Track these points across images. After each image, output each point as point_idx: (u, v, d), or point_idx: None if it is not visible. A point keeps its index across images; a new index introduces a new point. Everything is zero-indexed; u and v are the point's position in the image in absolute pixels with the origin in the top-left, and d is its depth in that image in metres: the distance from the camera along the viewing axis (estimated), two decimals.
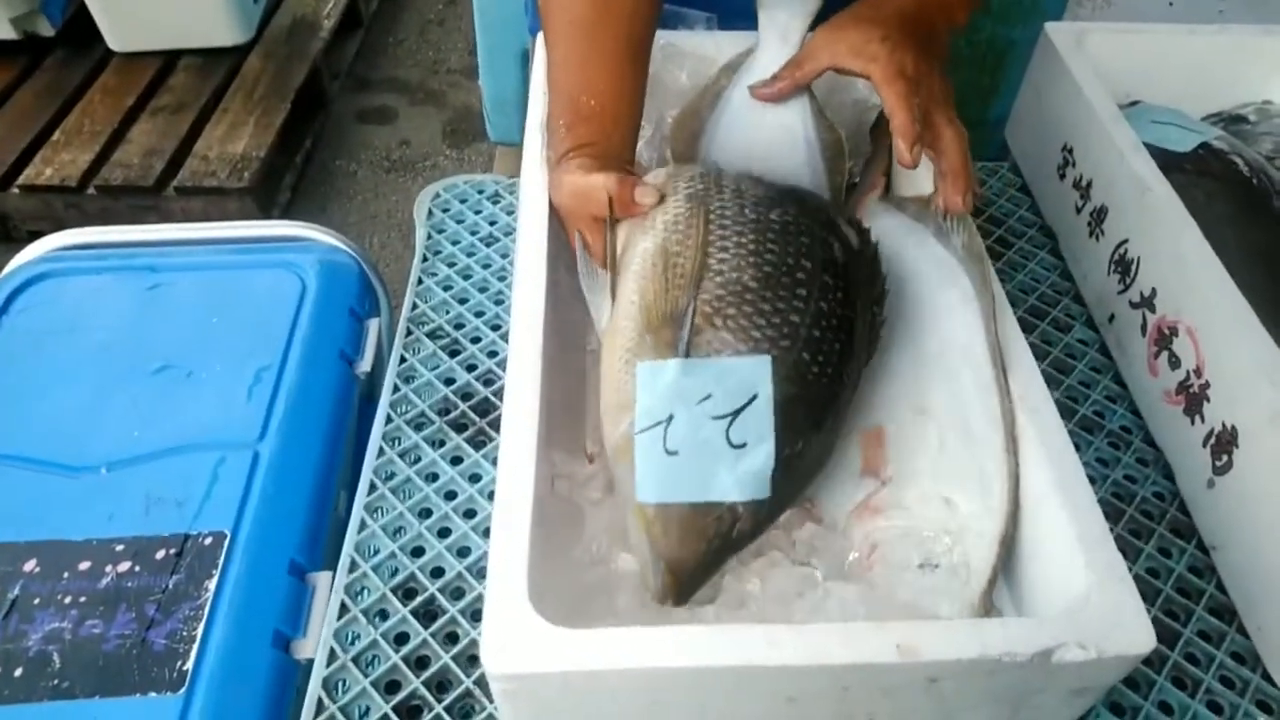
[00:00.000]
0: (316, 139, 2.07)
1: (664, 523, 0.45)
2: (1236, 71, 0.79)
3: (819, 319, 0.49)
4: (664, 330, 0.49)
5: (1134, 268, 0.64)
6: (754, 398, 0.47)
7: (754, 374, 0.47)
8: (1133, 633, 0.40)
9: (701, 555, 0.45)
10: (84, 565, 0.61)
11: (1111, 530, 0.56)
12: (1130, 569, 0.54)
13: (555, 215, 0.58)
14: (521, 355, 0.49)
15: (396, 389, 0.63)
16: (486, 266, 0.72)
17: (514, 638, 0.38)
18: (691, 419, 0.46)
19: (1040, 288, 0.72)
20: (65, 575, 0.60)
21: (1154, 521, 0.58)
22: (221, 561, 0.61)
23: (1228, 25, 0.81)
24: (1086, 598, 0.41)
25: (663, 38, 0.69)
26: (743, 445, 0.46)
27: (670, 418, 0.46)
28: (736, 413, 0.47)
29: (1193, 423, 0.57)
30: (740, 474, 0.45)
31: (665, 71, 0.70)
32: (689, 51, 0.71)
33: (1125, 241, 0.65)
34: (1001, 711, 0.44)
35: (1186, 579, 0.56)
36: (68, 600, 0.59)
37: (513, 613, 0.39)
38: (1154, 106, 0.76)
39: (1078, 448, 0.61)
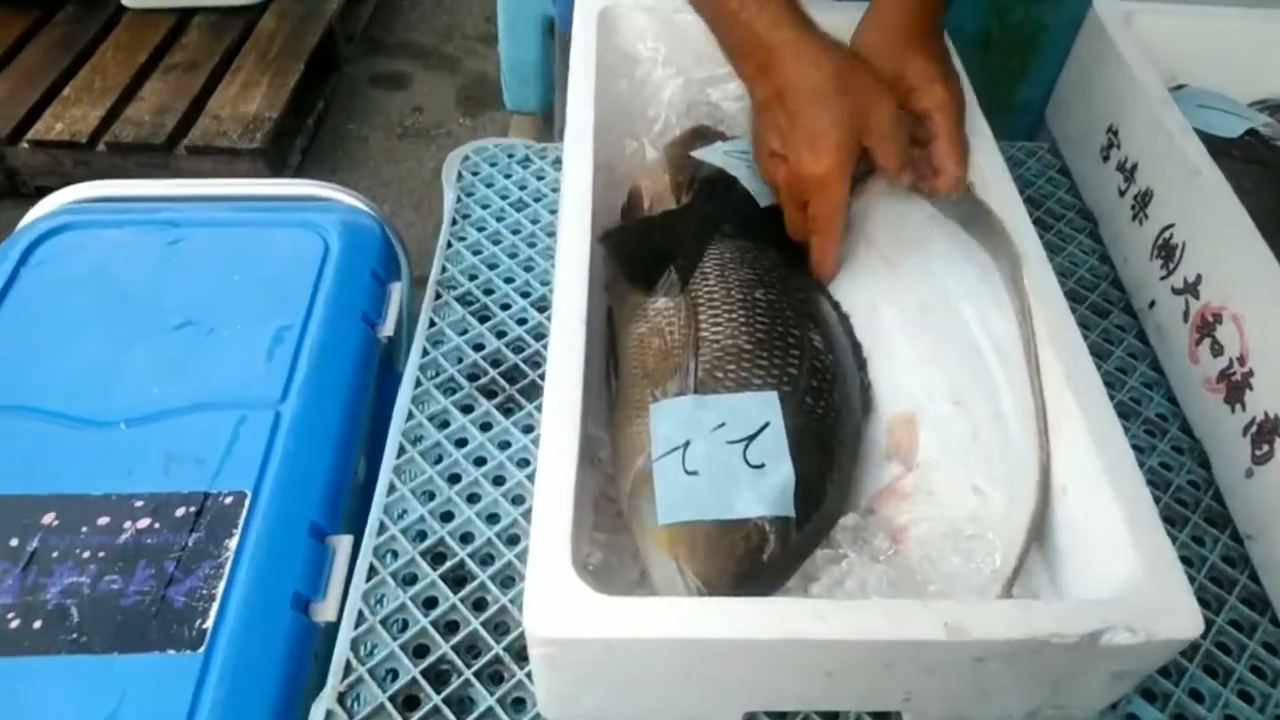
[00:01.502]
0: (329, 102, 2.05)
1: (690, 543, 0.44)
2: None
3: (814, 373, 0.52)
4: (669, 384, 0.50)
5: (1178, 253, 0.62)
6: (766, 424, 0.48)
7: (763, 407, 0.49)
8: (1181, 617, 0.39)
9: (732, 576, 0.44)
10: (103, 520, 0.60)
11: None
12: None
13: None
14: (565, 321, 0.48)
15: (426, 352, 0.62)
16: (516, 232, 0.70)
17: (557, 602, 0.38)
18: (708, 443, 0.47)
19: (1079, 271, 0.71)
20: (84, 530, 0.59)
21: (1188, 510, 0.57)
22: (242, 521, 0.60)
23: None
24: (1135, 581, 0.40)
25: None
26: (761, 465, 0.46)
27: (687, 443, 0.47)
28: (751, 437, 0.47)
29: (1233, 411, 0.56)
30: (762, 490, 0.45)
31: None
32: None
33: (1170, 226, 0.64)
34: (1040, 694, 0.44)
35: (1220, 568, 0.55)
36: (86, 555, 0.58)
37: (556, 577, 0.38)
38: (1200, 90, 0.74)
39: None
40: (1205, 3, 0.76)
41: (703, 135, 0.69)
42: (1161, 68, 0.70)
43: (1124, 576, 0.41)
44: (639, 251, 0.58)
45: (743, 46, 0.56)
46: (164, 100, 1.83)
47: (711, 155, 0.65)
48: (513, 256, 0.68)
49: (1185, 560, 0.55)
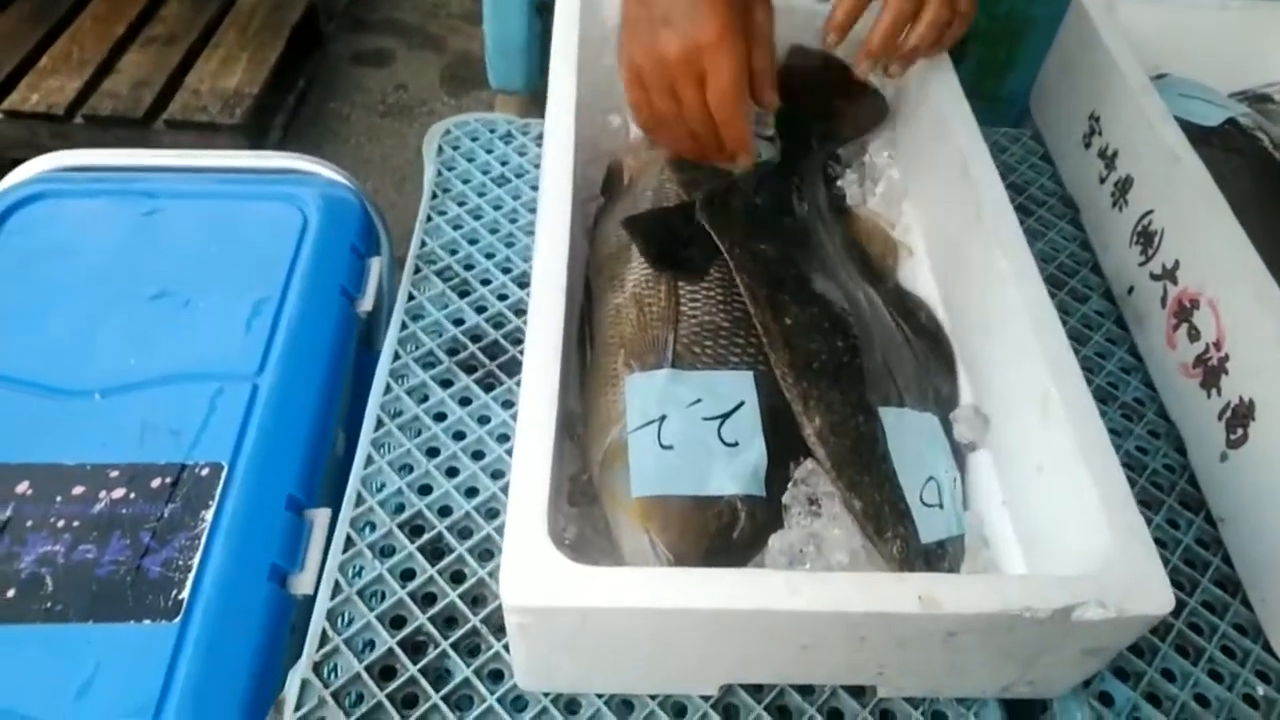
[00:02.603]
0: (311, 79, 2.02)
1: (663, 517, 0.44)
2: (1268, 48, 0.78)
3: None
4: (647, 357, 0.50)
5: (1157, 239, 0.63)
6: (741, 404, 0.48)
7: (738, 385, 0.49)
8: (1153, 593, 0.40)
9: (703, 551, 0.44)
10: (78, 490, 0.59)
11: None
12: None
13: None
14: (544, 297, 0.48)
15: (405, 326, 0.61)
16: (498, 208, 0.70)
17: (533, 571, 0.38)
18: (684, 419, 0.47)
19: (1059, 257, 0.71)
20: (58, 499, 0.58)
21: (1164, 493, 0.58)
22: (219, 493, 0.59)
23: (1261, 1, 0.80)
24: (1108, 558, 0.41)
25: None
26: (735, 444, 0.46)
27: (663, 417, 0.47)
28: (726, 415, 0.48)
29: (1209, 395, 0.57)
30: (735, 469, 0.46)
31: None
32: None
33: (1150, 212, 0.64)
34: (1012, 669, 0.44)
35: (1194, 551, 0.56)
36: (61, 524, 0.57)
37: (531, 546, 0.38)
38: (1181, 80, 0.75)
39: None
40: None
41: None
42: (1144, 57, 0.71)
43: (1097, 553, 0.41)
44: (659, 237, 0.57)
45: None
46: (143, 73, 1.80)
47: None
48: (494, 232, 0.68)
49: (1160, 543, 0.56)
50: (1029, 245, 0.71)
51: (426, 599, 0.49)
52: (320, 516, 0.60)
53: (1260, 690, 0.50)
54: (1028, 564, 0.49)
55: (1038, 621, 0.39)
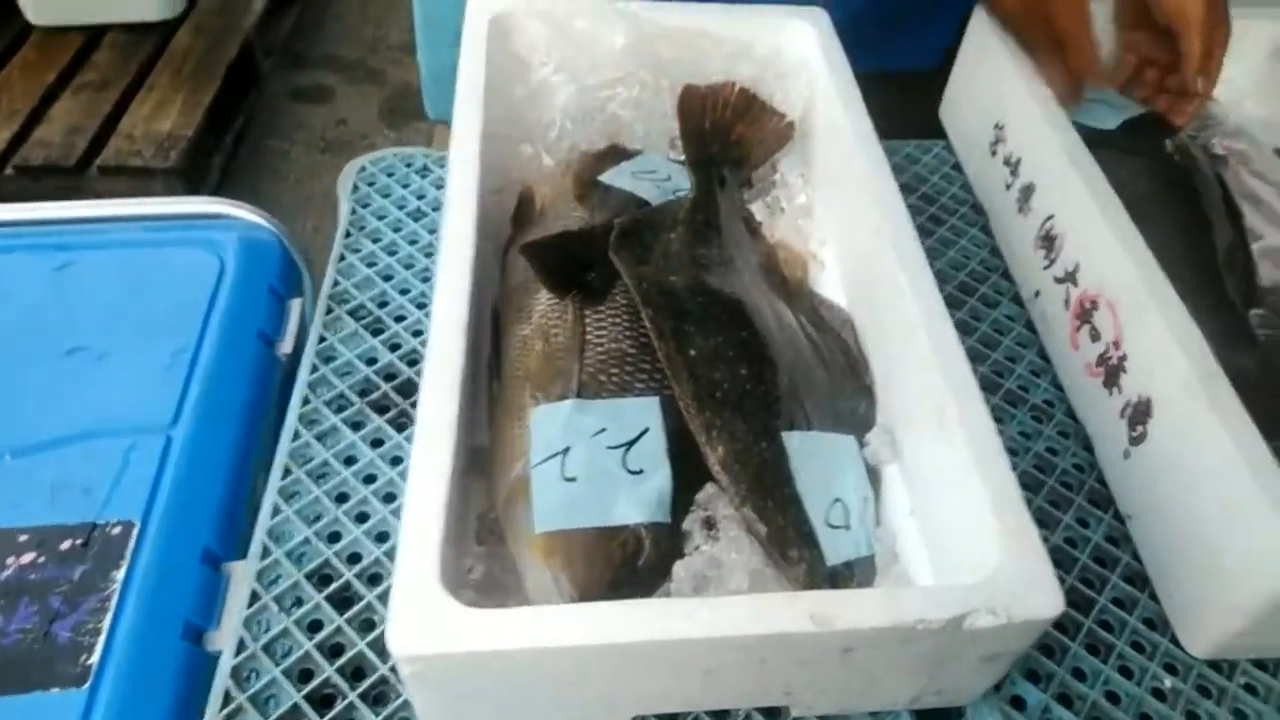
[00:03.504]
0: (249, 118, 2.01)
1: (566, 551, 0.44)
2: None
3: None
4: (552, 387, 0.50)
5: (1058, 243, 0.64)
6: (646, 430, 0.48)
7: (644, 411, 0.49)
8: (1042, 598, 0.40)
9: (608, 583, 0.44)
10: None
11: (1031, 502, 0.58)
12: (1048, 539, 0.56)
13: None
14: (444, 325, 0.48)
15: (315, 369, 0.61)
16: (414, 242, 0.70)
17: (422, 618, 0.37)
18: (588, 449, 0.47)
19: (970, 264, 0.73)
20: None
21: (1073, 492, 0.59)
22: (130, 551, 0.58)
23: None
24: (1000, 565, 0.41)
25: None
26: (640, 471, 0.46)
27: (567, 449, 0.46)
28: (631, 443, 0.48)
29: (1111, 394, 0.58)
30: (640, 496, 0.45)
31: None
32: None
33: (1051, 217, 0.65)
34: (916, 680, 0.44)
35: (1103, 548, 0.57)
36: None
37: (421, 592, 0.38)
38: None
39: (1001, 421, 0.62)
40: None
41: (609, 156, 0.69)
42: None
43: (991, 561, 0.42)
44: (559, 263, 0.57)
45: None
46: (75, 120, 1.79)
47: (619, 179, 0.65)
48: (409, 267, 0.68)
49: (1070, 542, 0.57)
50: (941, 254, 0.73)
51: (334, 650, 0.48)
52: (238, 569, 0.59)
53: (1168, 683, 0.51)
54: (935, 574, 0.49)
55: (931, 632, 0.39)
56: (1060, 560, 0.56)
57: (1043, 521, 0.57)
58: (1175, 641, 0.52)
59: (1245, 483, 0.46)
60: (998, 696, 0.49)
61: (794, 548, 0.47)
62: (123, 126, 1.77)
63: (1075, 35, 0.66)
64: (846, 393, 0.58)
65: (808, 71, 0.70)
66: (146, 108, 1.81)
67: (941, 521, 0.49)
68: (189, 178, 1.75)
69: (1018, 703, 0.49)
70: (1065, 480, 0.60)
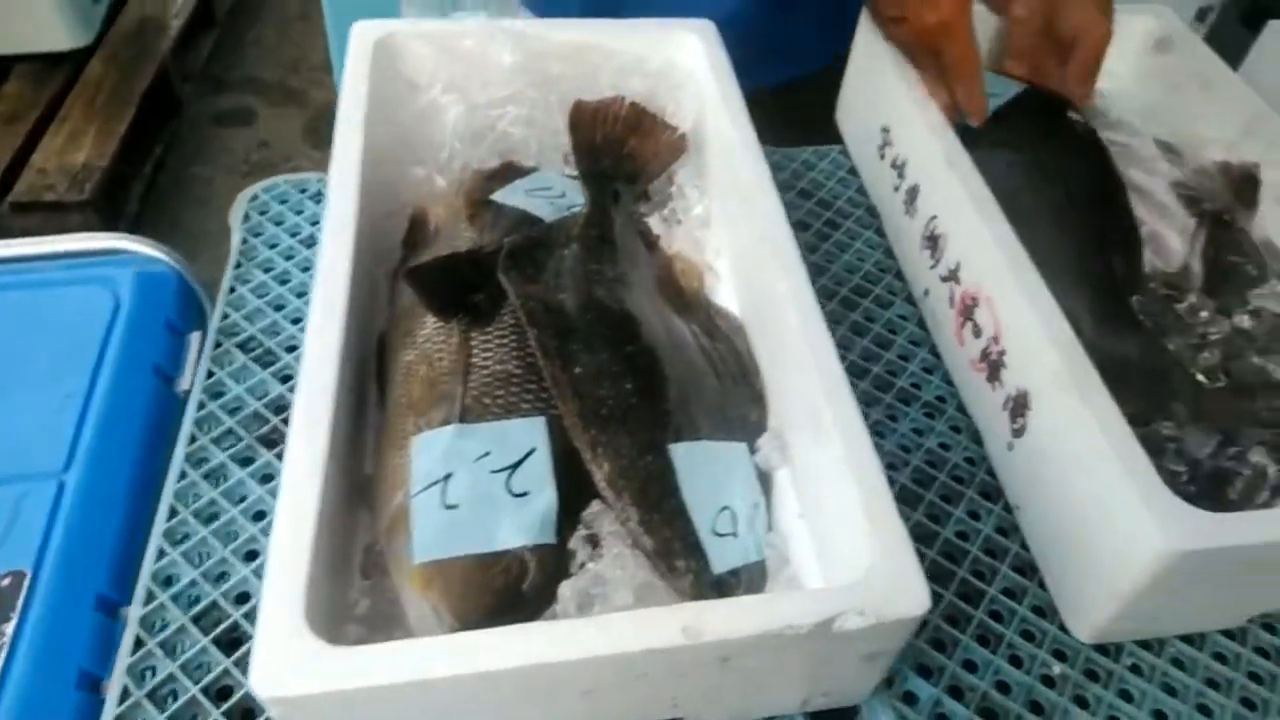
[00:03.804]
0: (168, 146, 1.97)
1: (445, 582, 0.43)
2: None
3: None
4: (435, 414, 0.49)
5: (941, 243, 0.66)
6: (532, 450, 0.48)
7: (530, 432, 0.49)
8: (909, 597, 0.41)
9: (489, 610, 0.43)
10: None
11: (924, 498, 0.59)
12: (940, 534, 0.57)
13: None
14: (316, 355, 0.47)
15: (202, 406, 0.60)
16: (306, 269, 0.69)
17: (284, 657, 0.37)
18: (471, 474, 0.46)
19: (865, 266, 0.74)
20: None
21: (964, 486, 0.60)
22: (21, 602, 0.57)
23: None
24: (869, 565, 0.42)
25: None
26: (525, 494, 0.46)
27: (448, 476, 0.46)
28: (516, 465, 0.47)
29: (994, 388, 0.60)
30: (524, 519, 0.45)
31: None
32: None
33: (934, 218, 0.67)
34: (802, 684, 0.45)
35: (994, 540, 0.58)
36: None
37: (284, 631, 0.37)
38: None
39: (894, 419, 0.63)
40: None
41: (503, 174, 0.69)
42: None
43: (863, 562, 0.43)
44: (444, 287, 0.57)
45: None
46: None
47: (513, 197, 0.65)
48: (301, 296, 0.67)
49: (961, 535, 0.58)
50: (837, 257, 0.74)
51: (222, 692, 0.47)
52: (131, 615, 0.58)
53: (1057, 669, 0.52)
54: (823, 576, 0.50)
55: (801, 636, 0.40)
56: (951, 554, 0.57)
57: (935, 517, 0.59)
58: (1063, 628, 0.54)
59: (1114, 473, 0.48)
60: (890, 693, 0.50)
61: (680, 558, 0.47)
62: (35, 160, 1.73)
63: (963, 75, 0.67)
64: (738, 399, 0.58)
65: (695, 83, 0.71)
66: (59, 140, 1.77)
67: (825, 524, 0.50)
68: (106, 210, 1.71)
69: (909, 698, 0.50)
70: (957, 474, 0.61)
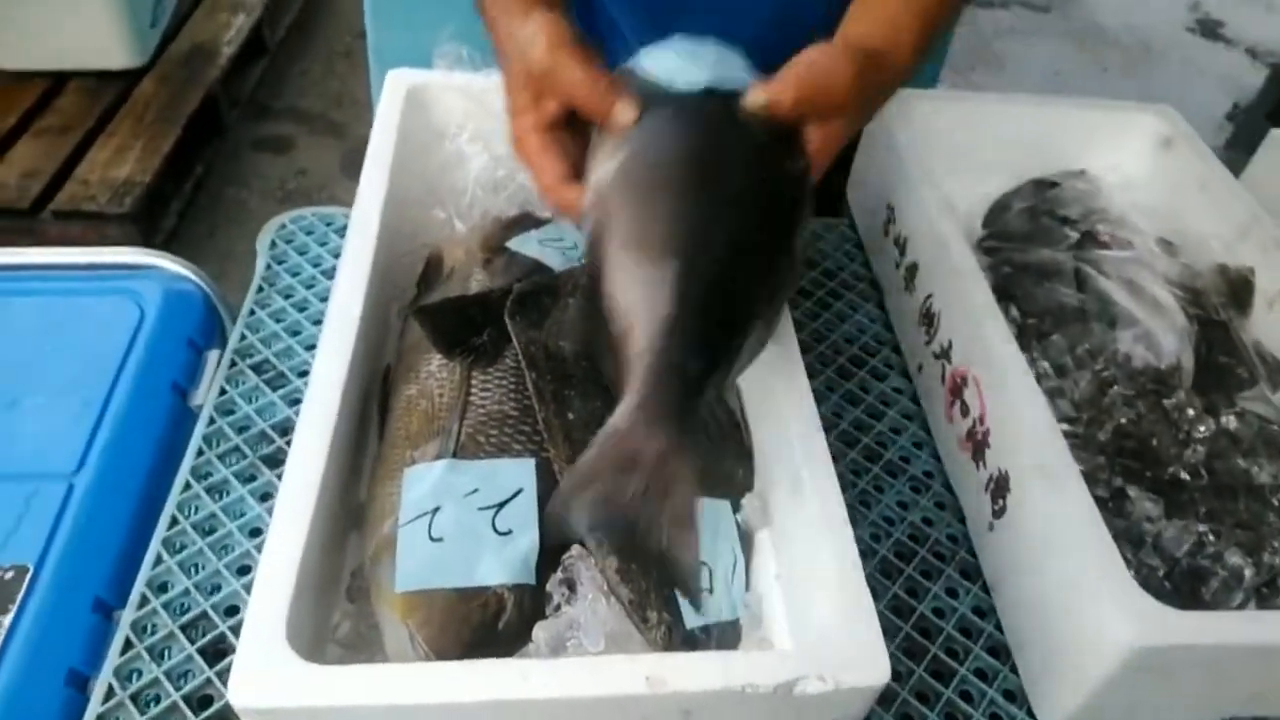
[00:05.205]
0: (209, 166, 2.03)
1: (425, 611, 0.45)
2: (1055, 140, 0.86)
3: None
4: (429, 447, 0.51)
5: (936, 320, 0.68)
6: (520, 491, 0.49)
7: (519, 472, 0.51)
8: (869, 665, 0.42)
9: (465, 644, 0.45)
10: None
11: (904, 571, 0.60)
12: (916, 609, 0.58)
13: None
14: (321, 384, 0.49)
15: (212, 422, 0.62)
16: (324, 299, 0.72)
17: (263, 671, 0.38)
18: (459, 509, 0.48)
19: (864, 338, 0.76)
20: None
21: (945, 563, 0.61)
22: (20, 596, 0.59)
23: (1049, 97, 0.88)
24: (834, 631, 0.43)
25: None
26: (508, 532, 0.48)
27: (437, 509, 0.48)
28: (503, 504, 0.49)
29: (978, 468, 0.61)
30: (505, 557, 0.47)
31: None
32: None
33: (930, 296, 0.69)
34: None
35: (970, 619, 0.59)
36: None
37: (265, 645, 0.39)
38: None
39: (880, 491, 0.65)
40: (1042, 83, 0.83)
41: (520, 223, 0.72)
42: (945, 148, 0.76)
43: (828, 627, 0.44)
44: (451, 326, 0.59)
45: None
46: (33, 164, 1.80)
47: (526, 246, 0.68)
48: (317, 324, 0.70)
49: (937, 612, 0.59)
50: (837, 327, 0.76)
51: (203, 701, 0.49)
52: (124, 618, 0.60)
53: None
54: (792, 638, 0.51)
55: (762, 696, 0.41)
56: (926, 630, 0.58)
57: (913, 591, 0.59)
58: (1032, 715, 0.54)
59: (1085, 563, 0.49)
60: None
61: (653, 610, 0.48)
62: (79, 171, 1.79)
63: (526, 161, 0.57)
64: (726, 457, 0.60)
65: None
66: (105, 154, 1.83)
67: (798, 586, 0.51)
68: (144, 224, 1.76)
69: None
70: (938, 550, 0.62)
